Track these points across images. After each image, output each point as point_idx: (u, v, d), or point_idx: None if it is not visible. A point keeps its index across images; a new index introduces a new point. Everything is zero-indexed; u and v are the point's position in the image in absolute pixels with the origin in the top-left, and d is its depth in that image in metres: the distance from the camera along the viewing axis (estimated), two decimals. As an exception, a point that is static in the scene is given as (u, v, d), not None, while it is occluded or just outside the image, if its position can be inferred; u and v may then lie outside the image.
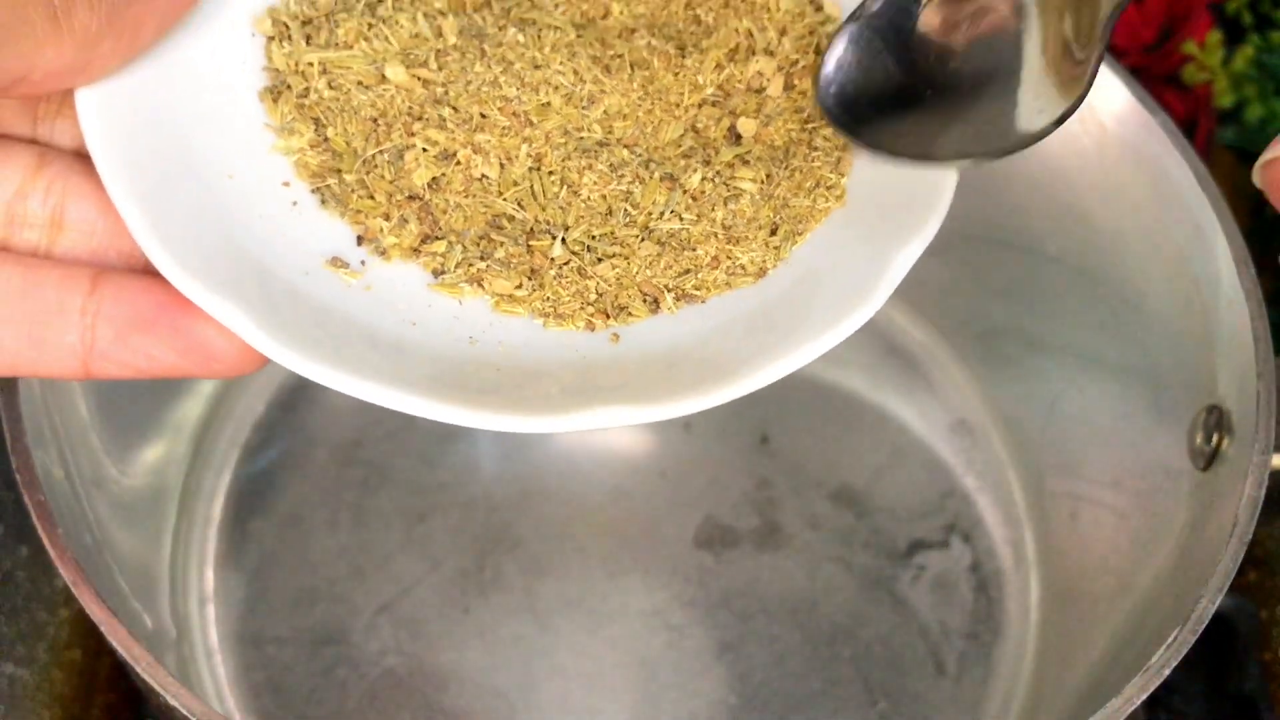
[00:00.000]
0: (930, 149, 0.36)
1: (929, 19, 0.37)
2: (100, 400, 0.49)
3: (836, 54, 0.38)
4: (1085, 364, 0.54)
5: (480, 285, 0.35)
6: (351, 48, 0.37)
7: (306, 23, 0.38)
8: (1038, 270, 0.54)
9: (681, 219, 0.36)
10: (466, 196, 0.36)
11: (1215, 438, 0.44)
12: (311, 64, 0.37)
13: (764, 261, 0.36)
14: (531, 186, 0.37)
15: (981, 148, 0.35)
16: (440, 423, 0.33)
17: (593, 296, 0.36)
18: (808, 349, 0.33)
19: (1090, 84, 0.34)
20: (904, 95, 0.37)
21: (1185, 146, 0.46)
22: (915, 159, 0.36)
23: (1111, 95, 0.48)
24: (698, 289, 0.36)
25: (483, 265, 0.36)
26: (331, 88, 0.37)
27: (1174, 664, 0.39)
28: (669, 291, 0.36)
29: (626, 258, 0.36)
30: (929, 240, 0.35)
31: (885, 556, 0.55)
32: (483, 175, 0.36)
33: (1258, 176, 0.31)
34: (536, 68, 0.37)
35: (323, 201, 0.36)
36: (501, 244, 0.36)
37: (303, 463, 0.56)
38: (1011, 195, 0.53)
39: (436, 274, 0.36)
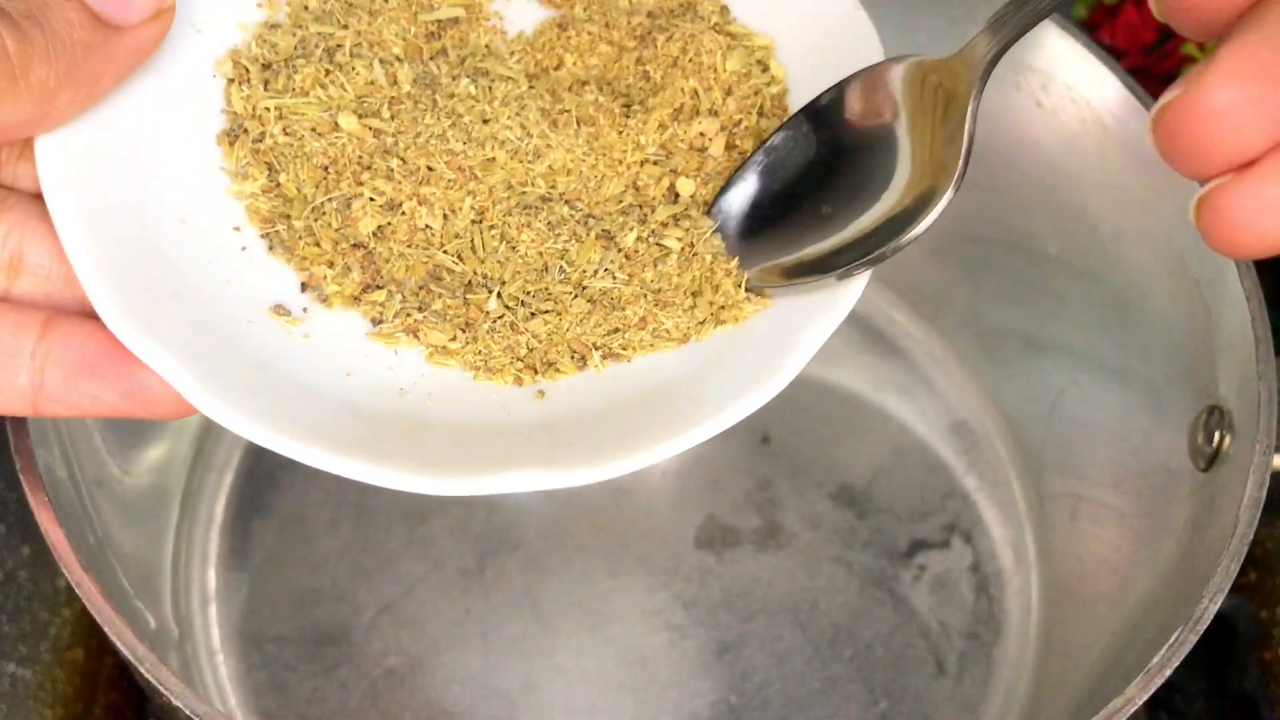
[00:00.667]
0: (818, 269, 0.37)
1: (814, 153, 0.38)
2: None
3: (725, 203, 0.39)
4: (1086, 364, 0.54)
5: (416, 336, 0.36)
6: (308, 94, 0.38)
7: (266, 66, 0.38)
8: (1038, 270, 0.54)
9: (614, 278, 0.37)
10: (409, 246, 0.37)
11: (1216, 438, 0.44)
12: (268, 109, 0.38)
13: (687, 329, 0.37)
14: (472, 240, 0.37)
15: (870, 254, 0.36)
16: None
17: (523, 351, 0.36)
18: (721, 418, 0.34)
19: (965, 166, 0.35)
20: (794, 231, 0.38)
21: (1186, 147, 0.46)
22: (810, 279, 0.37)
23: (1111, 95, 0.48)
24: (624, 348, 0.37)
25: (419, 316, 0.36)
26: (286, 134, 0.37)
27: (1175, 664, 0.39)
28: (596, 349, 0.37)
29: (559, 314, 0.37)
30: (842, 318, 0.36)
31: (886, 556, 0.55)
32: (426, 226, 0.37)
33: (1151, 125, 0.28)
34: (485, 122, 0.38)
35: (270, 247, 0.37)
36: (440, 295, 0.36)
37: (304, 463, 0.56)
38: (1012, 195, 0.53)
39: (375, 322, 0.36)
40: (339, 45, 0.39)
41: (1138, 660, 0.40)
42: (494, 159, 0.37)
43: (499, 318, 0.36)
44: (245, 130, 0.38)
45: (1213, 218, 0.28)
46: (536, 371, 0.36)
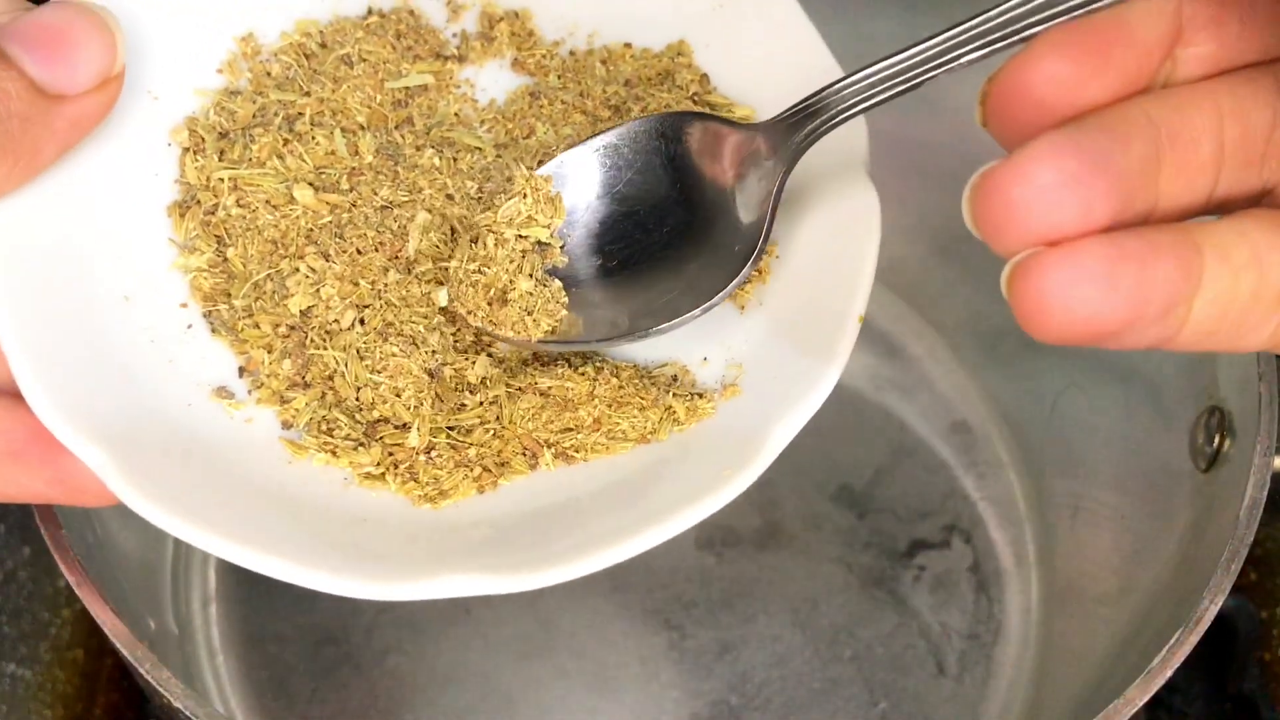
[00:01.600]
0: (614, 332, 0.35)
1: (652, 198, 0.37)
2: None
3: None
4: (1086, 364, 0.54)
5: (335, 455, 0.34)
6: (264, 165, 0.37)
7: (223, 135, 0.37)
8: (1038, 271, 0.54)
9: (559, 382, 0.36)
10: (323, 334, 0.35)
11: (1217, 439, 0.44)
12: (222, 180, 0.36)
13: (644, 430, 0.35)
14: (359, 348, 0.35)
15: (667, 322, 0.35)
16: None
17: (476, 472, 0.34)
18: (682, 518, 0.32)
19: (759, 255, 0.34)
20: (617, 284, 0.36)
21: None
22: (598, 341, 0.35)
23: (1112, 96, 0.48)
24: (577, 451, 0.35)
25: (329, 440, 0.34)
26: (240, 205, 0.36)
27: (1176, 666, 0.39)
28: (548, 447, 0.35)
29: (498, 418, 0.35)
30: (812, 413, 0.34)
31: (886, 557, 0.55)
32: (335, 320, 0.35)
33: (968, 194, 0.28)
34: (449, 197, 0.37)
35: (213, 329, 0.35)
36: (339, 422, 0.35)
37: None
38: (1012, 196, 0.53)
39: (286, 426, 0.35)
40: (300, 114, 0.37)
41: (1138, 661, 0.40)
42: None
43: (429, 450, 0.34)
44: (198, 201, 0.36)
45: (1023, 287, 0.27)
46: (494, 474, 0.34)
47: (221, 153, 0.37)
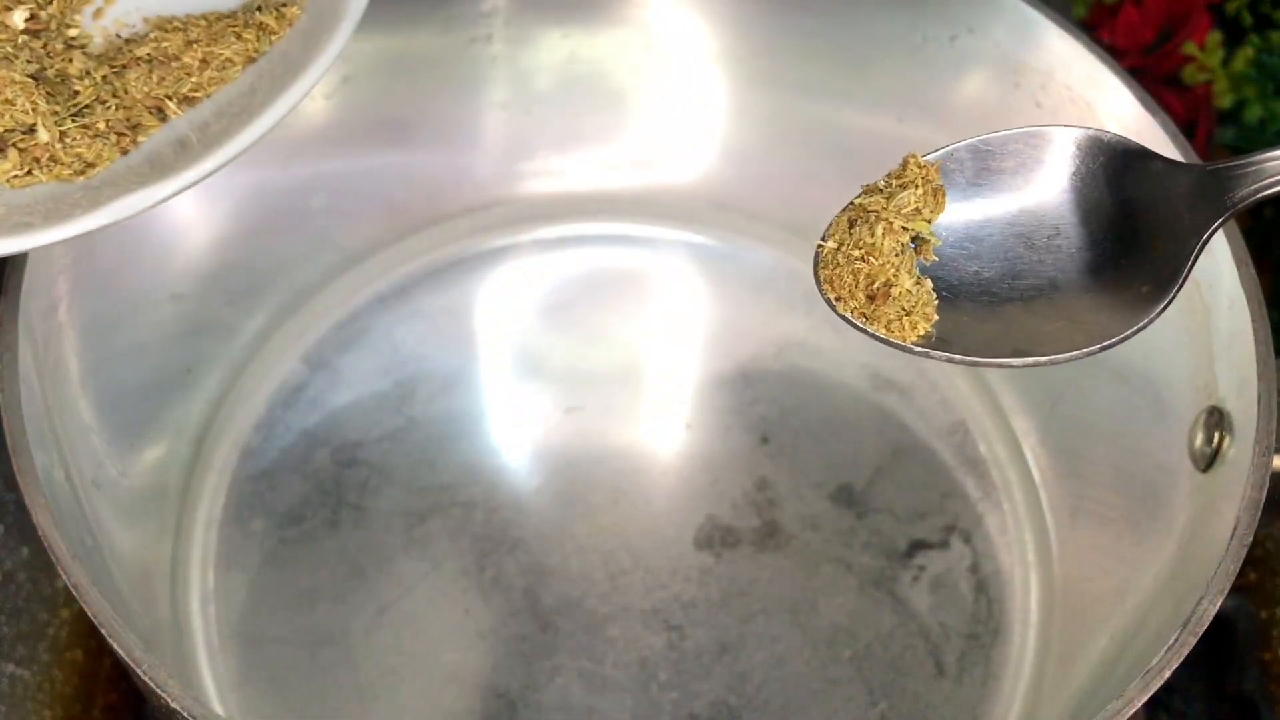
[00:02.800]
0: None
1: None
2: (101, 401, 0.49)
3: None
4: (1086, 365, 0.53)
5: None
6: None
7: None
8: (1038, 270, 0.54)
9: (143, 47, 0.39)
10: None
11: (1216, 439, 0.44)
12: None
13: (248, 50, 0.39)
14: None
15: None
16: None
17: (113, 139, 0.37)
18: (309, 75, 0.37)
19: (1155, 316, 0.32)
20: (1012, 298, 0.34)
21: (1185, 147, 0.46)
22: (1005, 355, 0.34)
23: (1111, 95, 0.48)
24: (195, 91, 0.38)
25: None
26: None
27: (1175, 665, 0.39)
28: (170, 99, 0.38)
29: (114, 94, 0.38)
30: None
31: (885, 557, 0.55)
32: None
33: None
34: None
35: None
36: None
37: (303, 463, 0.55)
38: (1012, 196, 0.53)
39: None
40: None
41: (1137, 661, 0.40)
42: None
43: (63, 136, 0.37)
44: None
45: None
46: (131, 136, 0.38)
47: None
